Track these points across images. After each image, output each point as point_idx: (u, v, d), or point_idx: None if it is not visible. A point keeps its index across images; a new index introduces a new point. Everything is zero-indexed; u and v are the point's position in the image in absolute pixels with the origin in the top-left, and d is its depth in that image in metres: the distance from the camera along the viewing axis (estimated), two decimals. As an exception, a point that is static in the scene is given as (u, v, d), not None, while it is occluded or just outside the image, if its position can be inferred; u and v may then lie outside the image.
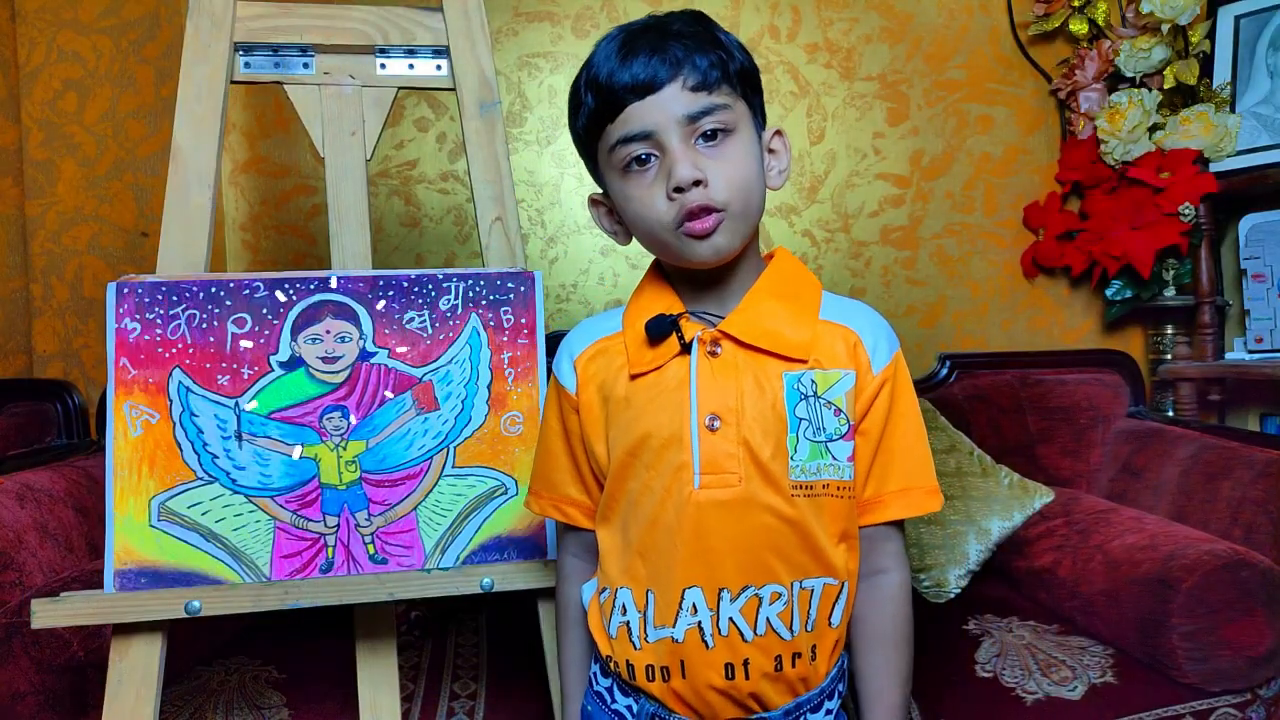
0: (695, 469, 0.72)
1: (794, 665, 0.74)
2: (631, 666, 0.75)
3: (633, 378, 0.76)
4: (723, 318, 0.75)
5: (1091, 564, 1.41)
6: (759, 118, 0.76)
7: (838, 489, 0.73)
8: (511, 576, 0.97)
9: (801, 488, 0.72)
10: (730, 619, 0.72)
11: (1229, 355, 1.93)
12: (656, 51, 0.70)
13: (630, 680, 0.76)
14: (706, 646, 0.72)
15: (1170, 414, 1.92)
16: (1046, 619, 1.44)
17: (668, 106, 0.70)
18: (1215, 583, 1.22)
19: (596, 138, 0.75)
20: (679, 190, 0.70)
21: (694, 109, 0.70)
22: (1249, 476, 1.42)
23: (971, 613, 1.47)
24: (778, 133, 0.78)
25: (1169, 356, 1.97)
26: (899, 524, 0.78)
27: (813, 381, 0.73)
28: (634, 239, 0.78)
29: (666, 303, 0.77)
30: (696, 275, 0.76)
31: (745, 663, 0.73)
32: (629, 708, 0.77)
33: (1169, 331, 1.98)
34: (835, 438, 0.73)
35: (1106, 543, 1.42)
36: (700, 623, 0.72)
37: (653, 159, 0.71)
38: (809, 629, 0.74)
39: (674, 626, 0.73)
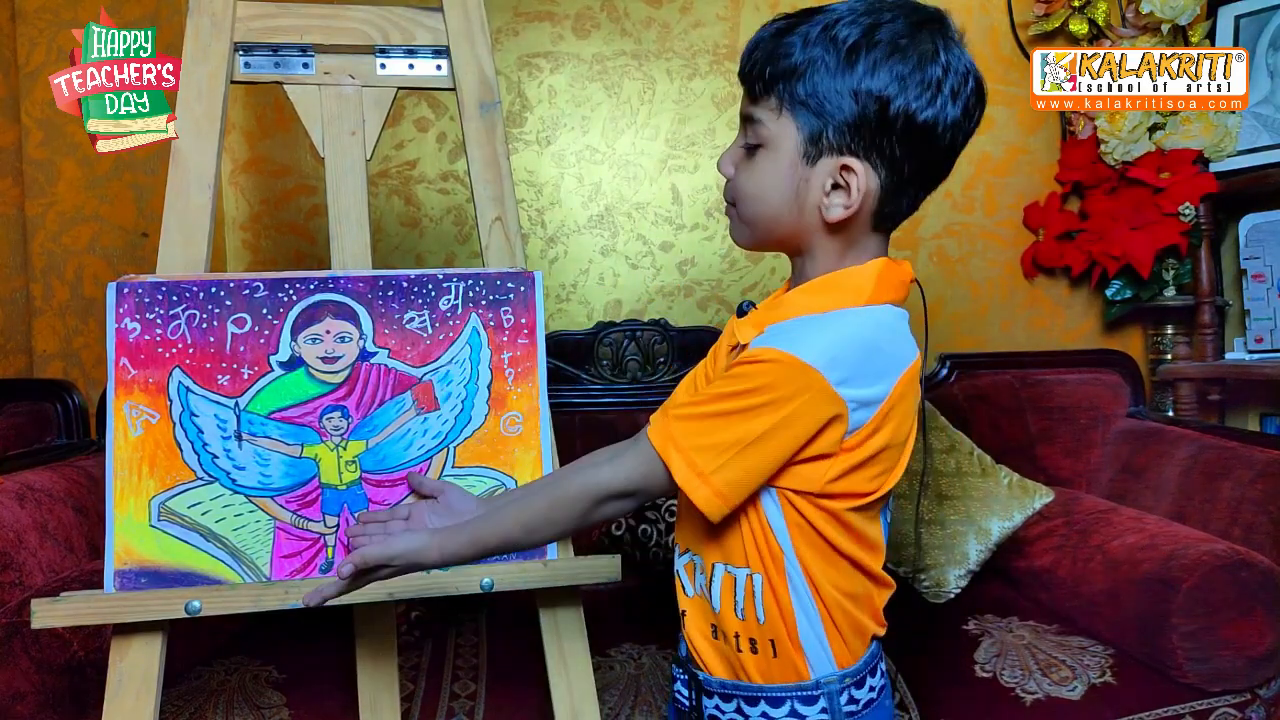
0: None
1: (725, 642, 0.78)
2: None
3: (730, 349, 0.83)
4: None
5: (1091, 564, 1.41)
6: (817, 144, 0.73)
7: None
8: (511, 576, 0.97)
9: None
10: (678, 571, 0.83)
11: (1229, 355, 1.94)
12: (748, 53, 0.77)
13: None
14: (677, 589, 0.84)
15: (1170, 414, 1.92)
16: (1046, 619, 1.44)
17: (740, 105, 0.79)
18: (1215, 583, 1.22)
19: None
20: None
21: (743, 112, 0.78)
22: (1249, 476, 1.42)
23: (971, 613, 1.47)
24: (848, 168, 0.72)
25: (1169, 356, 1.97)
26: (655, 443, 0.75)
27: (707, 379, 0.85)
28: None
29: (783, 290, 0.84)
30: (792, 268, 0.82)
31: (683, 614, 0.82)
32: None
33: (1169, 331, 1.98)
34: None
35: (1106, 543, 1.42)
36: (675, 568, 0.84)
37: None
38: (738, 615, 0.76)
39: (675, 563, 0.85)
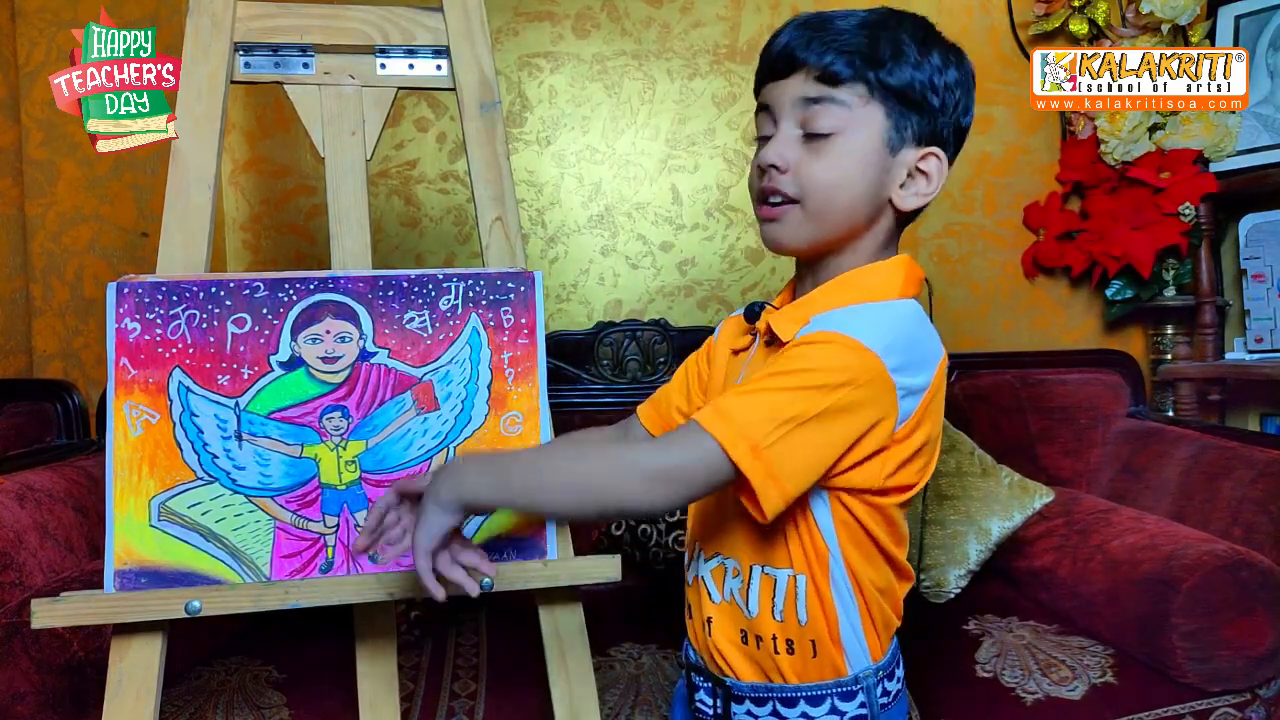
0: None
1: (758, 647, 0.76)
2: (685, 601, 0.85)
3: (733, 353, 0.85)
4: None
5: (1091, 564, 1.41)
6: (901, 133, 0.74)
7: None
8: (511, 576, 0.97)
9: None
10: (702, 577, 0.80)
11: (1229, 355, 1.94)
12: (804, 38, 0.74)
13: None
14: (699, 595, 0.81)
15: (1170, 414, 1.92)
16: (1046, 619, 1.44)
17: (789, 90, 0.75)
18: (1215, 583, 1.22)
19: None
20: (760, 169, 0.76)
21: (810, 94, 0.73)
22: (1249, 476, 1.42)
23: (971, 613, 1.47)
24: (934, 155, 0.75)
25: (1169, 356, 1.97)
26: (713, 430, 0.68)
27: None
28: (754, 233, 0.84)
29: (788, 293, 0.84)
30: (805, 268, 0.81)
31: (709, 621, 0.80)
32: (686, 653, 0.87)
33: (1169, 331, 1.98)
34: None
35: (1106, 543, 1.42)
36: (698, 574, 0.82)
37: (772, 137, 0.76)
38: (777, 617, 0.75)
39: (688, 571, 0.84)
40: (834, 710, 0.76)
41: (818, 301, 0.76)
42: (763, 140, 0.77)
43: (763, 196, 0.76)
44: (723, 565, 0.79)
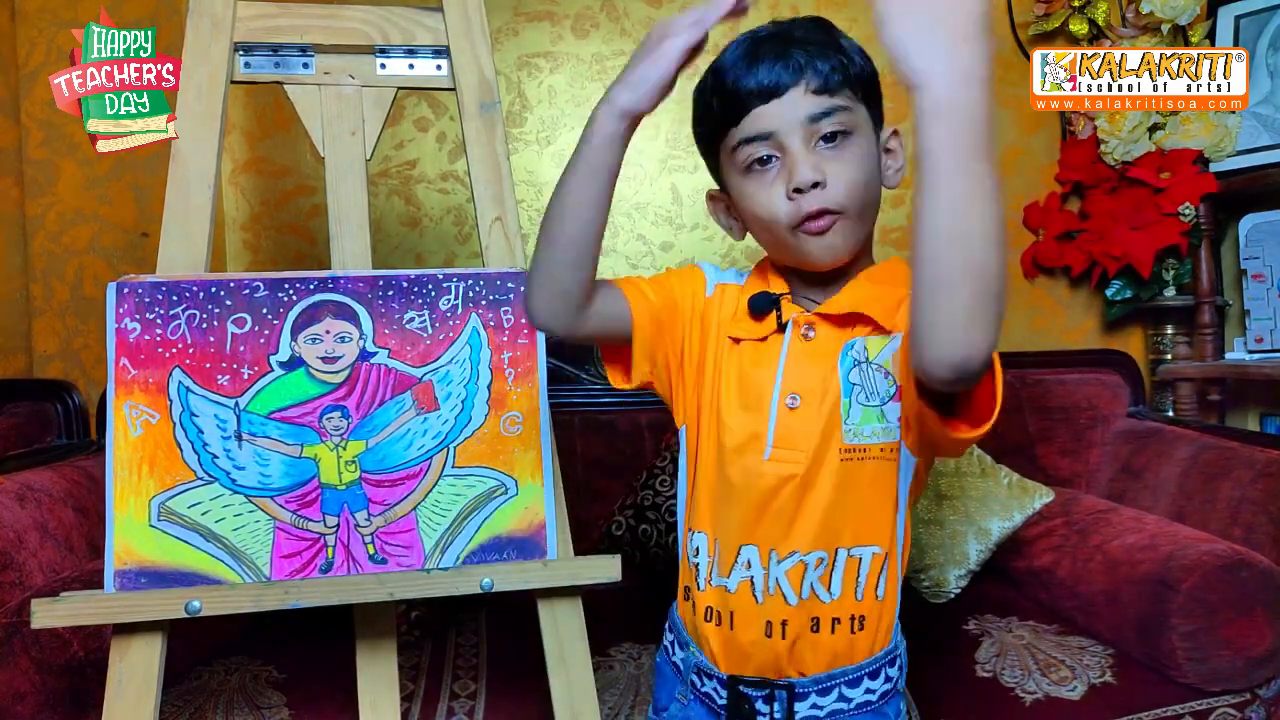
0: (769, 440, 0.76)
1: (833, 631, 0.76)
2: (695, 605, 0.81)
3: (734, 340, 0.81)
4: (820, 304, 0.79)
5: (1091, 564, 1.41)
6: (877, 120, 0.78)
7: (880, 450, 0.75)
8: (511, 576, 0.97)
9: (855, 451, 0.75)
10: (776, 580, 0.76)
11: (1229, 355, 1.93)
12: (780, 58, 0.74)
13: (693, 617, 0.82)
14: (756, 601, 0.77)
15: (1170, 414, 1.92)
16: (1046, 619, 1.44)
17: (790, 109, 0.73)
18: (1215, 583, 1.22)
19: (719, 139, 0.79)
20: (798, 191, 0.73)
21: (816, 110, 0.73)
22: (1249, 476, 1.42)
23: (971, 613, 1.47)
24: (894, 132, 0.79)
25: (1169, 356, 1.97)
26: None
27: (864, 348, 0.76)
28: (749, 235, 0.82)
29: (777, 287, 0.82)
30: (808, 272, 0.79)
31: (784, 624, 0.77)
32: (682, 660, 0.84)
33: (1169, 331, 1.98)
34: (886, 400, 0.75)
35: (1106, 543, 1.42)
36: (752, 578, 0.77)
37: (774, 160, 0.75)
38: (858, 597, 0.76)
39: (728, 577, 0.78)
40: (886, 679, 0.79)
41: (871, 282, 0.78)
42: (762, 164, 0.75)
43: (804, 218, 0.73)
44: (802, 563, 0.76)
